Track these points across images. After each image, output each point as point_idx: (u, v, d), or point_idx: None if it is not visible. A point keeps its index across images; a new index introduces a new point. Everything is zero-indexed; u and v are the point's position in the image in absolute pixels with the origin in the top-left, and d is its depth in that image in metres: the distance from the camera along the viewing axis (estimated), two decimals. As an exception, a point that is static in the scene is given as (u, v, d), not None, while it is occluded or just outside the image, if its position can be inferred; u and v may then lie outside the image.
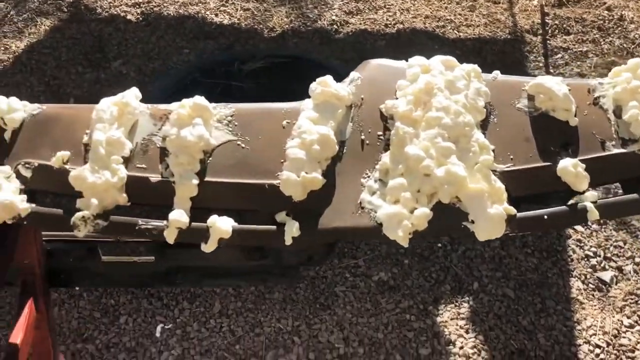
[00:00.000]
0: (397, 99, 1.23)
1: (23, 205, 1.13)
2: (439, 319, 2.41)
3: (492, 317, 2.40)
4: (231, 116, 1.24)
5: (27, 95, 3.30)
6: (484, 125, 1.20)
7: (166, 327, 2.42)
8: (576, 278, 2.53)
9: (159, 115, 1.23)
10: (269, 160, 1.18)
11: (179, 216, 1.11)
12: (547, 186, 1.15)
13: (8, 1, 4.25)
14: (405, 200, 1.10)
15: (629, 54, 3.73)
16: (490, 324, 2.38)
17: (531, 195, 1.15)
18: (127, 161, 1.17)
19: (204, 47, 3.77)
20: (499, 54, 3.75)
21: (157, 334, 2.40)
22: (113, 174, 1.14)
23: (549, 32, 3.91)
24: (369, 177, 1.17)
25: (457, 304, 2.46)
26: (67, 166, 1.17)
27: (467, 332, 2.36)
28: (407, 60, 1.34)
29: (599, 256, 2.60)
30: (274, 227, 1.13)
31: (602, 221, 2.73)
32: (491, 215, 1.08)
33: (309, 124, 1.19)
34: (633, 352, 2.30)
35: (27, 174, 1.17)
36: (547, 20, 3.99)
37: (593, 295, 2.47)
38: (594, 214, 1.11)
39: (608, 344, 2.29)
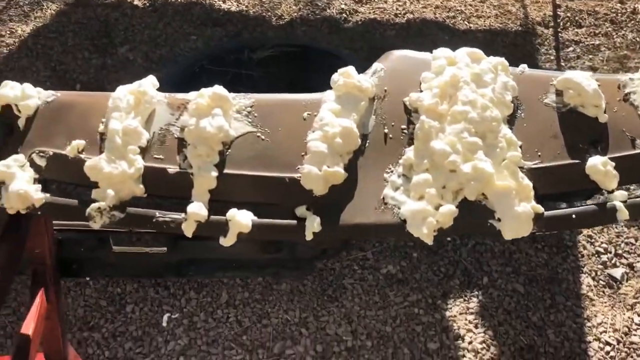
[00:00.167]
0: (421, 91, 1.19)
1: (37, 195, 1.10)
2: (447, 314, 2.39)
3: (502, 313, 2.38)
4: (251, 107, 1.20)
5: (33, 80, 3.26)
6: (510, 121, 1.17)
7: (173, 316, 2.41)
8: (586, 274, 2.51)
9: (176, 105, 1.20)
10: (289, 153, 1.15)
11: (198, 209, 1.08)
12: (575, 184, 1.12)
13: (13, -16, 4.19)
14: (430, 197, 1.07)
15: (641, 48, 3.69)
16: (499, 319, 2.36)
17: (558, 194, 1.12)
18: (143, 151, 1.14)
19: (212, 34, 3.72)
20: (510, 46, 3.70)
21: (164, 324, 2.39)
22: (130, 165, 1.11)
23: (561, 24, 3.86)
24: (392, 172, 1.14)
25: (466, 298, 2.44)
26: (82, 155, 1.14)
27: (476, 327, 2.35)
28: (430, 52, 1.30)
29: (610, 252, 2.58)
30: (295, 222, 1.10)
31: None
32: (518, 213, 1.06)
33: (331, 116, 1.16)
34: (643, 350, 2.29)
35: (42, 163, 1.14)
36: (559, 13, 3.94)
37: (603, 292, 2.45)
38: (623, 214, 1.08)
39: (618, 342, 2.28)
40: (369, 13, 3.93)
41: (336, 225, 1.10)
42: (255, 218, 1.10)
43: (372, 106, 1.20)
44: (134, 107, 1.16)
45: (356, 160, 1.15)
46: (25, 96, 1.19)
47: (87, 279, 2.44)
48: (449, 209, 1.06)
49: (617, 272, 2.49)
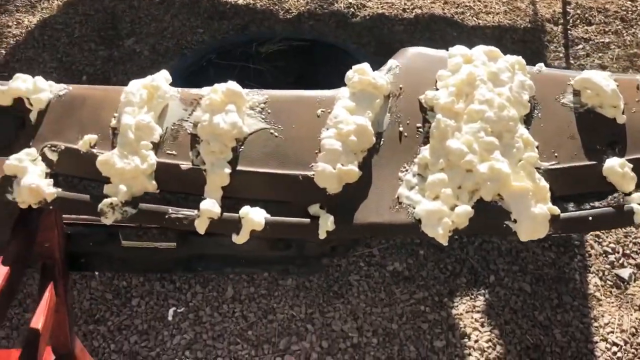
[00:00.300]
0: (437, 89, 1.18)
1: (49, 190, 1.09)
2: (454, 312, 2.39)
3: (508, 311, 2.38)
4: (264, 103, 1.19)
5: (40, 71, 3.25)
6: (527, 120, 1.15)
7: (178, 310, 2.40)
8: (594, 274, 2.50)
9: (189, 100, 1.18)
10: (302, 151, 1.14)
11: (211, 206, 1.07)
12: (591, 186, 1.10)
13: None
14: (445, 197, 1.06)
15: (652, 47, 3.66)
16: (505, 318, 2.36)
17: (574, 195, 1.10)
18: (156, 147, 1.13)
19: (218, 27, 3.71)
20: (519, 42, 3.68)
21: (170, 317, 2.39)
22: (142, 160, 1.10)
23: (571, 21, 3.83)
24: (407, 170, 1.12)
25: (472, 296, 2.43)
26: (94, 150, 1.13)
27: (482, 325, 2.34)
28: (440, 48, 1.29)
29: (618, 252, 2.57)
30: (308, 220, 1.09)
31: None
32: (535, 214, 1.04)
33: (345, 114, 1.14)
34: (650, 351, 2.28)
35: (53, 157, 1.13)
36: (568, 10, 3.91)
37: (611, 292, 2.44)
38: (641, 217, 1.07)
39: (626, 342, 2.27)
40: (377, 7, 3.91)
41: (350, 224, 1.09)
42: (269, 216, 1.09)
43: (387, 104, 1.19)
44: (147, 102, 1.15)
45: (370, 158, 1.14)
46: (37, 89, 1.18)
47: (96, 273, 2.44)
48: (465, 210, 1.05)
49: (625, 273, 2.48)
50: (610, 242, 2.60)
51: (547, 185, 1.08)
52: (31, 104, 1.17)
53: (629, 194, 1.09)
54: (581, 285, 2.46)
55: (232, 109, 1.14)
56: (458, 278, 2.49)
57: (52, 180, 1.11)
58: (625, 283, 2.47)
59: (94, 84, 3.25)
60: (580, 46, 3.66)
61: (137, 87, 1.16)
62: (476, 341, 2.29)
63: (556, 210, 1.06)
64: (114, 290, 2.46)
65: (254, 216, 1.08)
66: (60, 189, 1.11)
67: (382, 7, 3.92)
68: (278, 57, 3.03)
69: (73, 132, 1.15)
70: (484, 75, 1.15)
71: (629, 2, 3.94)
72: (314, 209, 1.11)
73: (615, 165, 1.09)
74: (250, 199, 1.12)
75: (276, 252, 1.51)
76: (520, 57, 1.20)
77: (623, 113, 1.15)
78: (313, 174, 1.11)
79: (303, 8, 3.89)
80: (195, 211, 1.08)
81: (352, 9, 3.89)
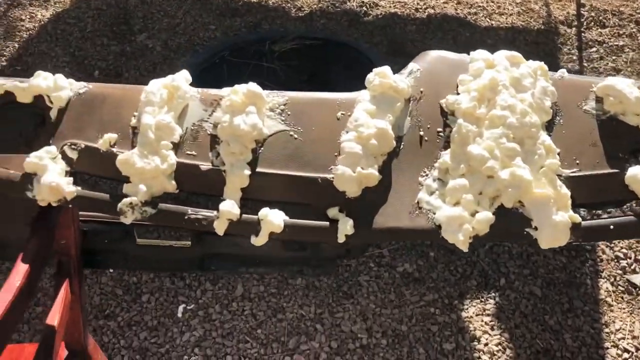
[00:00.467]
0: (458, 94, 1.17)
1: (69, 188, 1.09)
2: (464, 314, 2.38)
3: (518, 315, 2.37)
4: (284, 105, 1.19)
5: (52, 65, 3.26)
6: (549, 127, 1.14)
7: (188, 307, 2.41)
8: (605, 279, 2.48)
9: (209, 101, 1.18)
10: (322, 153, 1.14)
11: (231, 207, 1.07)
12: (613, 194, 1.09)
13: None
14: (466, 203, 1.05)
15: (666, 51, 3.63)
16: (516, 322, 2.35)
17: (596, 203, 1.09)
18: (176, 147, 1.13)
19: (231, 24, 3.70)
20: (532, 44, 3.66)
21: (179, 314, 2.39)
22: (163, 160, 1.10)
23: (584, 24, 3.81)
24: (427, 175, 1.12)
25: (482, 299, 2.43)
26: (114, 149, 1.13)
27: (492, 328, 2.33)
28: (454, 50, 1.28)
29: (630, 258, 2.55)
30: (327, 223, 1.09)
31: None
32: (556, 222, 1.04)
33: (365, 117, 1.14)
34: (661, 358, 2.27)
35: (73, 155, 1.13)
36: (582, 12, 3.88)
37: (622, 297, 2.43)
38: (663, 227, 1.05)
39: (637, 349, 2.26)
40: (390, 7, 3.89)
41: (369, 228, 1.08)
42: (287, 218, 1.09)
43: (408, 107, 1.18)
44: (167, 102, 1.15)
45: (390, 162, 1.13)
46: (58, 87, 1.18)
47: (111, 270, 2.45)
48: (486, 216, 1.04)
49: (637, 279, 2.46)
50: (622, 248, 2.59)
51: (569, 193, 1.07)
52: (51, 102, 1.17)
53: (651, 203, 1.08)
54: (592, 290, 2.45)
55: (252, 111, 1.13)
56: (468, 280, 2.49)
57: (71, 178, 1.11)
58: (637, 289, 2.45)
59: (106, 79, 3.26)
60: (594, 49, 3.63)
61: (157, 87, 1.16)
62: (486, 344, 2.29)
63: (577, 218, 1.05)
64: (124, 285, 2.47)
65: (273, 218, 1.08)
66: (79, 188, 1.11)
67: (394, 6, 3.90)
68: (291, 55, 3.03)
69: (93, 131, 1.15)
70: (506, 81, 1.15)
71: (644, 5, 3.91)
72: (333, 212, 1.11)
73: (638, 174, 1.08)
74: (269, 200, 1.11)
75: (291, 253, 1.51)
76: (542, 63, 1.19)
77: (646, 121, 1.14)
78: (332, 177, 1.10)
79: (315, 6, 3.88)
80: (215, 212, 1.08)
81: (364, 8, 3.88)
